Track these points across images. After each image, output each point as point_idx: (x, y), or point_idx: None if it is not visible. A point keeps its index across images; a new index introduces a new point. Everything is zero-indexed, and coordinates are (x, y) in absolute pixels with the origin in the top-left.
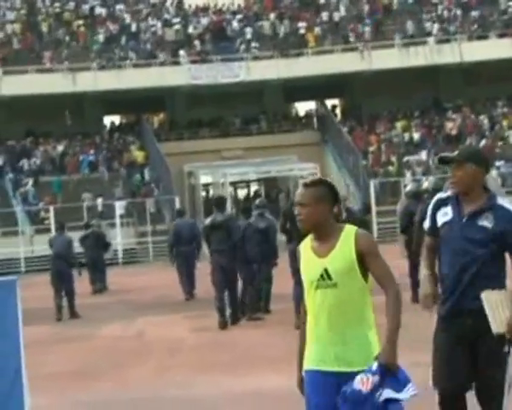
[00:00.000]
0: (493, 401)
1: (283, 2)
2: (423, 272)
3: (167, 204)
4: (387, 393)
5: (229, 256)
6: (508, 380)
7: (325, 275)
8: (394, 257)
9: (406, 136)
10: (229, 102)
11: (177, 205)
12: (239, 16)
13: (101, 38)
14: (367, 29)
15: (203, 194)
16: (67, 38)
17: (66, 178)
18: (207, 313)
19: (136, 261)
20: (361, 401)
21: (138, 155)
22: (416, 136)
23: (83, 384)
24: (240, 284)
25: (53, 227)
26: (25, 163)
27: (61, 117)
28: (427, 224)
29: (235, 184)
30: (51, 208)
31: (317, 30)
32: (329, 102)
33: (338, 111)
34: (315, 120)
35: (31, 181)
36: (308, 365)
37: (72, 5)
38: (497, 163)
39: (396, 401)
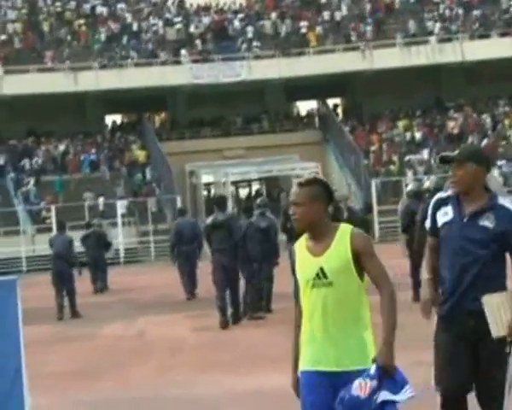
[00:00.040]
0: (494, 402)
1: (285, 1)
2: (424, 275)
3: (169, 203)
4: (384, 395)
5: (231, 255)
6: (509, 380)
7: (321, 274)
8: (395, 256)
9: (408, 135)
10: (231, 102)
11: (179, 204)
12: (240, 15)
13: (102, 37)
14: (368, 28)
15: (205, 193)
16: (69, 38)
17: (68, 177)
18: (209, 312)
19: (138, 261)
20: (358, 406)
21: (140, 155)
22: (418, 135)
23: (84, 384)
24: (242, 283)
25: (54, 226)
26: (26, 163)
27: (62, 116)
28: (428, 224)
29: (236, 184)
30: (53, 208)
31: (319, 29)
32: (331, 102)
33: (339, 110)
34: (316, 119)
35: (32, 180)
36: (303, 366)
37: (73, 4)
38: (499, 162)
39: (392, 402)
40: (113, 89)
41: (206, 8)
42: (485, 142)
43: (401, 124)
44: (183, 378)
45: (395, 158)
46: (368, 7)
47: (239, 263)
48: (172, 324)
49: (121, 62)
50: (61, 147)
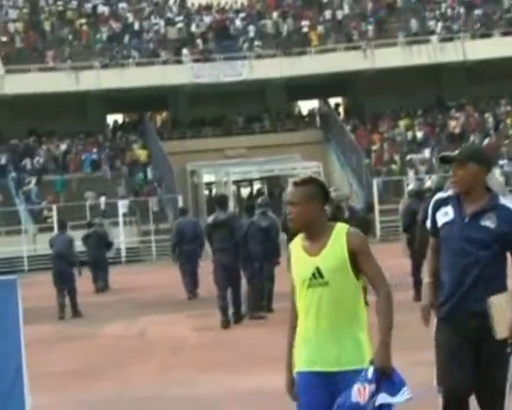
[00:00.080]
0: (495, 403)
1: (286, 0)
2: (425, 279)
3: (170, 203)
4: (382, 398)
5: (232, 255)
6: (509, 380)
7: (317, 274)
8: (397, 256)
9: (409, 134)
10: (232, 101)
11: (180, 204)
12: (242, 15)
13: (103, 36)
14: (370, 27)
15: (206, 193)
16: (70, 37)
17: (69, 176)
18: (210, 312)
19: (139, 260)
20: None
21: (141, 154)
22: (420, 134)
23: (85, 383)
24: (244, 282)
25: (56, 226)
26: (27, 162)
27: (63, 116)
28: (428, 224)
29: (238, 183)
30: (54, 207)
31: (320, 28)
32: (332, 101)
33: (341, 110)
34: (318, 118)
35: (34, 180)
36: (299, 366)
37: (74, 4)
38: (501, 162)
39: (388, 405)
40: (114, 88)
41: (208, 8)
42: (486, 141)
43: (402, 123)
44: (184, 378)
45: (396, 157)
46: (369, 6)
47: (240, 262)
48: (174, 323)
49: (123, 62)
50: (63, 146)
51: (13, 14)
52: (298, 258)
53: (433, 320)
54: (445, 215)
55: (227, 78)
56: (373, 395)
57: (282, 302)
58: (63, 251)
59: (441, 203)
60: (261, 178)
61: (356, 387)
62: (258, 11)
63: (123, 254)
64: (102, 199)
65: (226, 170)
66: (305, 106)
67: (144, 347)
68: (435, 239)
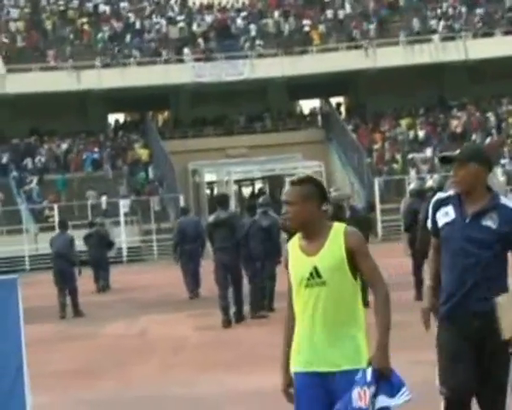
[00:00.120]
0: (496, 403)
1: None
2: (426, 282)
3: (172, 202)
4: (381, 401)
5: (233, 254)
6: (511, 380)
7: (314, 273)
8: (398, 255)
9: (411, 133)
10: (234, 100)
11: (182, 203)
12: (243, 14)
13: (105, 35)
14: (372, 27)
15: (207, 192)
16: (71, 36)
17: (71, 176)
18: (211, 311)
19: (141, 260)
20: None
21: (142, 153)
22: (421, 133)
23: (86, 383)
24: (245, 281)
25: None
26: (29, 161)
27: (65, 115)
28: (429, 224)
29: (239, 182)
30: (55, 206)
31: (322, 27)
32: (334, 100)
33: (342, 109)
34: (319, 117)
35: (35, 179)
36: (296, 367)
37: (76, 3)
38: (503, 161)
39: (387, 407)
40: (115, 87)
41: (209, 7)
42: (488, 140)
43: (404, 122)
44: (185, 377)
45: (398, 157)
46: (371, 5)
47: (242, 262)
48: (175, 323)
49: (124, 61)
50: (64, 146)
51: (14, 13)
52: (295, 258)
53: (434, 322)
54: (446, 215)
55: (228, 77)
56: (372, 397)
57: (284, 302)
58: (63, 251)
59: (441, 203)
60: (262, 178)
61: (356, 391)
62: (259, 10)
63: (124, 253)
64: (104, 198)
65: (228, 169)
66: (307, 105)
67: (145, 346)
68: (436, 239)
